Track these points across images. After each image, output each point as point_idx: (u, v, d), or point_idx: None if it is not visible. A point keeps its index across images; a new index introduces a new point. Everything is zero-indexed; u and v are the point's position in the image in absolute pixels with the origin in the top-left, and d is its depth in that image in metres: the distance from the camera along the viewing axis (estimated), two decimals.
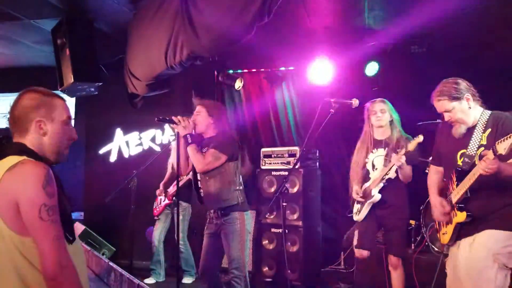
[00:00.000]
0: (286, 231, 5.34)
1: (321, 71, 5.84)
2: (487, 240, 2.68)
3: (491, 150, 2.50)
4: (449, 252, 2.99)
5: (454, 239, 2.85)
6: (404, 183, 3.91)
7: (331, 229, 6.03)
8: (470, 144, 2.81)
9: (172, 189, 5.66)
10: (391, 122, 4.02)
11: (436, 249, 4.66)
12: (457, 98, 2.83)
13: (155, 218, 5.78)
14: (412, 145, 3.65)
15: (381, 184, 3.87)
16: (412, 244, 4.90)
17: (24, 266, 1.73)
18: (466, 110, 2.84)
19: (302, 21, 5.29)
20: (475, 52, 5.29)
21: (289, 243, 5.35)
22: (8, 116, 1.91)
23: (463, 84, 2.89)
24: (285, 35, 5.52)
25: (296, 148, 5.64)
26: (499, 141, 2.46)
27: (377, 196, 3.87)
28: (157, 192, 5.75)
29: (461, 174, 2.77)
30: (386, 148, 3.94)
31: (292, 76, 6.48)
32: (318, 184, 5.68)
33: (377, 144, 4.02)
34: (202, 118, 3.89)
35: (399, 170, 3.81)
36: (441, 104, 2.88)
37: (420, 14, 4.66)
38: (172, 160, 5.73)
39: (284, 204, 3.91)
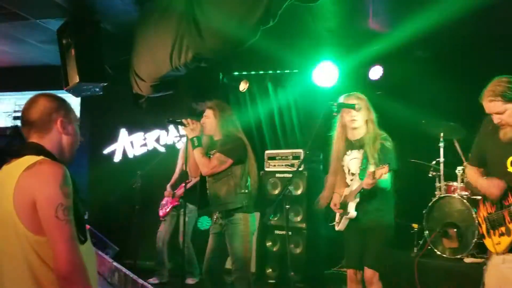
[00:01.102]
0: (290, 233, 5.37)
1: (325, 74, 5.86)
2: None
3: None
4: (488, 263, 2.89)
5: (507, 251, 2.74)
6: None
7: (335, 231, 6.03)
8: None
9: (179, 190, 5.68)
10: (367, 121, 3.58)
11: (438, 252, 4.67)
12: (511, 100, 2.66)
13: (161, 219, 5.81)
14: (379, 173, 3.22)
15: (357, 199, 3.49)
16: (415, 248, 4.91)
17: (38, 265, 1.76)
18: None
19: (307, 24, 5.30)
20: (482, 58, 5.29)
21: (292, 245, 5.37)
22: (24, 117, 1.93)
23: None
24: (290, 38, 5.54)
25: (300, 150, 5.66)
26: None
27: (352, 214, 3.50)
28: (166, 193, 5.77)
29: None
30: (362, 150, 3.55)
31: (297, 79, 6.49)
32: (322, 186, 5.68)
33: (351, 145, 3.66)
34: (210, 121, 3.95)
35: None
36: (493, 105, 2.67)
37: (425, 19, 4.67)
38: (181, 160, 5.76)
39: (287, 206, 3.91)
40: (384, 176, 3.23)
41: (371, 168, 3.35)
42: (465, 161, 4.89)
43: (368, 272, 3.46)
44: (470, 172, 3.05)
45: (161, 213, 5.81)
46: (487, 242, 2.86)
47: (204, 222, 5.63)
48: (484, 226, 2.89)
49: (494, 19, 4.89)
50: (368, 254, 3.49)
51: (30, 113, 1.91)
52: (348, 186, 3.65)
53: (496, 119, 2.70)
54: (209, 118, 3.95)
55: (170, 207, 5.73)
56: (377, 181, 3.27)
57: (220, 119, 3.94)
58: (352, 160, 3.63)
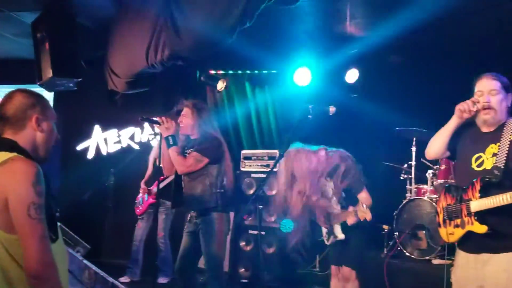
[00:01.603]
0: (263, 233, 5.40)
1: (302, 76, 5.90)
2: (509, 265, 2.62)
3: None
4: (455, 263, 2.94)
5: (461, 243, 2.82)
6: None
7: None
8: (498, 154, 2.68)
9: (155, 187, 5.64)
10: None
11: (407, 253, 4.77)
12: (507, 90, 2.76)
13: (139, 217, 5.76)
14: (361, 215, 3.37)
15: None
16: (385, 249, 4.99)
17: (8, 263, 1.76)
18: (505, 106, 2.75)
19: (284, 26, 5.33)
20: (455, 63, 5.41)
21: (265, 245, 5.40)
22: None
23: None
24: (268, 39, 5.56)
25: (276, 151, 5.68)
26: None
27: (341, 237, 3.57)
28: (141, 190, 5.73)
29: (488, 186, 2.66)
30: (333, 179, 3.60)
31: (275, 79, 6.52)
32: None
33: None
34: (188, 120, 3.95)
35: None
36: (494, 83, 2.75)
37: (400, 23, 4.74)
38: (153, 156, 5.72)
39: (260, 206, 3.94)
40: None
41: (350, 209, 3.46)
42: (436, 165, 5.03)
43: (346, 271, 3.57)
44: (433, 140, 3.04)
45: (137, 211, 5.77)
46: (442, 231, 2.93)
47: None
48: (441, 216, 2.95)
49: (466, 24, 4.99)
50: (347, 252, 3.59)
51: (5, 108, 1.90)
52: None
53: (483, 99, 2.75)
54: (187, 117, 3.96)
55: (147, 205, 5.69)
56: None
57: (197, 118, 3.94)
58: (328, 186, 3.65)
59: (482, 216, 2.66)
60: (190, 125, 3.95)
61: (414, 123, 5.21)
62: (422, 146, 5.24)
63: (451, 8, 4.40)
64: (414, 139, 5.22)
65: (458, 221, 2.80)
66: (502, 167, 2.65)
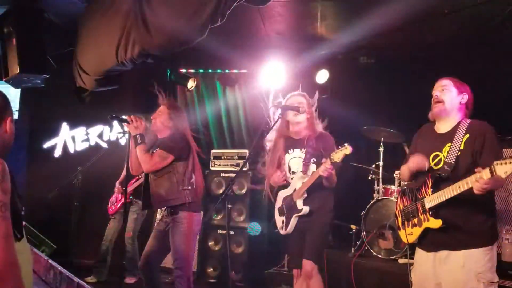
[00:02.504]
0: (232, 232, 5.40)
1: (273, 76, 5.92)
2: (467, 261, 2.68)
3: (487, 170, 2.37)
4: (414, 262, 3.01)
5: (420, 242, 2.88)
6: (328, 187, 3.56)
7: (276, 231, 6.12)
8: (450, 149, 2.77)
9: (130, 187, 5.57)
10: (309, 119, 3.65)
11: (374, 253, 4.84)
12: (460, 90, 2.88)
13: (111, 217, 5.69)
14: (338, 156, 3.24)
15: (305, 194, 3.55)
16: (352, 248, 5.05)
17: None
18: (456, 103, 2.88)
19: (256, 26, 5.35)
20: (423, 64, 5.52)
21: (234, 245, 5.40)
22: None
23: (468, 88, 2.93)
24: (239, 38, 5.57)
25: (246, 151, 5.71)
26: (499, 162, 2.32)
27: (305, 210, 3.52)
28: (115, 190, 5.66)
29: (438, 181, 2.75)
30: (303, 149, 3.61)
31: (245, 79, 6.53)
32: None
33: (293, 143, 3.69)
34: (162, 119, 3.97)
35: (323, 178, 3.44)
36: (443, 81, 2.92)
37: (370, 26, 4.81)
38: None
39: (229, 206, 3.94)
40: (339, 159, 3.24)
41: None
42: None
43: (307, 265, 3.48)
44: (402, 169, 3.15)
45: (110, 210, 5.68)
46: (401, 233, 3.01)
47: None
48: (399, 219, 3.04)
49: (433, 26, 5.09)
50: (306, 247, 3.52)
51: None
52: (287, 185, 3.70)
53: (436, 92, 2.90)
54: (162, 115, 3.97)
55: (120, 204, 5.61)
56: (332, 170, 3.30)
57: (172, 118, 3.97)
58: (294, 159, 3.67)
59: (436, 211, 2.75)
60: (163, 124, 3.96)
61: (382, 124, 5.29)
62: (389, 147, 5.35)
63: (420, 10, 4.48)
64: (382, 139, 5.29)
65: (415, 220, 2.89)
66: (453, 162, 2.74)
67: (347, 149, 3.22)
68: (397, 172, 5.10)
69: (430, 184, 2.79)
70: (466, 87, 2.93)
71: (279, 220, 3.76)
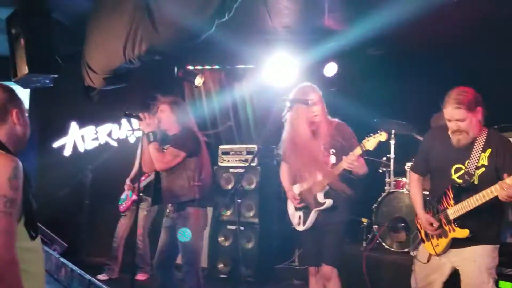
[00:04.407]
0: (242, 228, 5.40)
1: (280, 70, 5.89)
2: (478, 256, 2.76)
3: None
4: (419, 252, 3.08)
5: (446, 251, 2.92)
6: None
7: (287, 226, 6.08)
8: (469, 161, 2.80)
9: (141, 184, 5.58)
10: (322, 109, 3.54)
11: (386, 246, 4.79)
12: (473, 110, 2.78)
13: (122, 214, 5.69)
14: (370, 144, 3.12)
15: (327, 187, 3.39)
16: (364, 242, 5.01)
17: None
18: (475, 122, 2.81)
19: (263, 20, 5.32)
20: (434, 57, 5.45)
21: (244, 240, 5.39)
22: None
23: (479, 96, 2.83)
24: (245, 33, 5.54)
25: (254, 146, 5.69)
26: None
27: (328, 203, 3.35)
28: (126, 187, 5.66)
29: (460, 192, 2.79)
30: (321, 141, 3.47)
31: (252, 74, 6.50)
32: (275, 181, 5.72)
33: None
34: (166, 116, 3.96)
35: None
36: (457, 112, 2.76)
37: (379, 17, 4.76)
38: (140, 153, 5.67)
39: (239, 201, 3.91)
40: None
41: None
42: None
43: (327, 270, 3.39)
44: (412, 185, 3.19)
45: (121, 207, 5.69)
46: (427, 245, 3.03)
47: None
48: (422, 232, 3.07)
49: (444, 19, 5.03)
50: (327, 252, 3.42)
51: None
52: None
53: (454, 125, 2.82)
54: (165, 113, 3.96)
55: (131, 201, 5.62)
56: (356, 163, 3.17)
57: (175, 114, 3.96)
58: None
59: (461, 221, 2.79)
60: (168, 120, 3.96)
61: (393, 116, 5.24)
62: (401, 139, 5.30)
63: (431, 3, 4.43)
64: (393, 131, 5.24)
65: (440, 231, 2.90)
66: (472, 172, 2.78)
67: (382, 135, 3.08)
68: (408, 164, 5.05)
69: (451, 195, 2.83)
70: (476, 99, 2.82)
71: (295, 216, 3.62)
